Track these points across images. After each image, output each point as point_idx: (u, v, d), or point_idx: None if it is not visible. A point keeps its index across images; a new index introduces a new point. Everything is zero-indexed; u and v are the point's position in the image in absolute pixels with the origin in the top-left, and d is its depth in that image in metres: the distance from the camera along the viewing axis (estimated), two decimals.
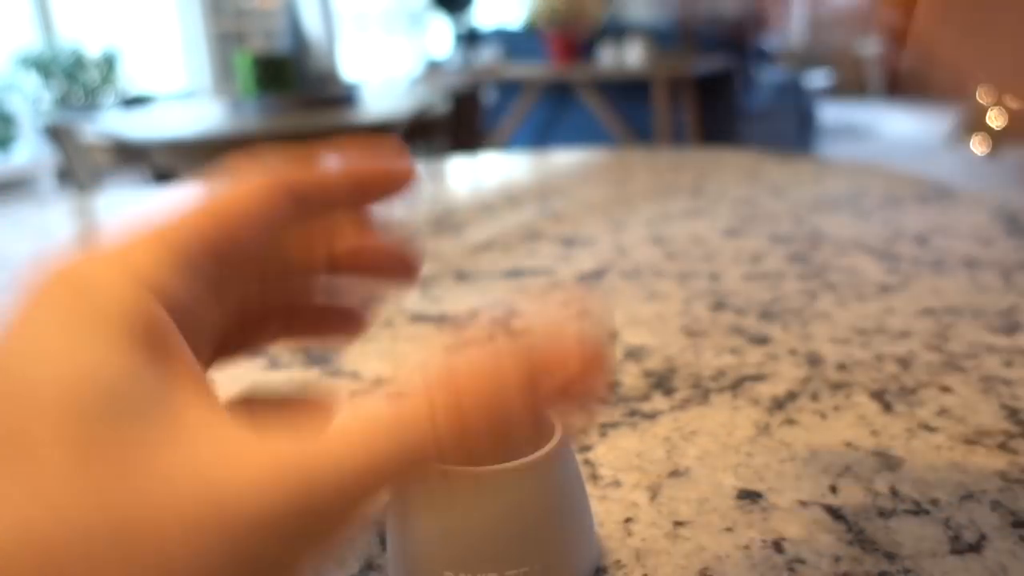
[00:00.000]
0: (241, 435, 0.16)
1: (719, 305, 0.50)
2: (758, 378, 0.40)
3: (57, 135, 2.20)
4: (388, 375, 0.42)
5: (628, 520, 0.29)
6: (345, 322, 0.28)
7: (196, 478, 0.15)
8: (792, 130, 4.29)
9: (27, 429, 0.15)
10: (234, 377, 0.25)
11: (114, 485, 0.15)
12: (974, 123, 3.98)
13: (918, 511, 0.28)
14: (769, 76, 4.08)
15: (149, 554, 0.14)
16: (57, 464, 0.14)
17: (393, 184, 0.25)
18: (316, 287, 0.27)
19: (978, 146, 4.00)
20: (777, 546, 0.27)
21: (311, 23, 2.37)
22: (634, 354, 0.43)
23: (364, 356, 0.45)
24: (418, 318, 0.51)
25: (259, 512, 0.15)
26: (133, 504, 0.15)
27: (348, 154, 0.24)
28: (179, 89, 5.09)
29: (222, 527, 0.15)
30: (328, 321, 0.28)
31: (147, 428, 0.15)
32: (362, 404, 0.18)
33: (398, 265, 0.27)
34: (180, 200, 0.20)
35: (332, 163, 0.23)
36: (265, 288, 0.25)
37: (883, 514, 0.28)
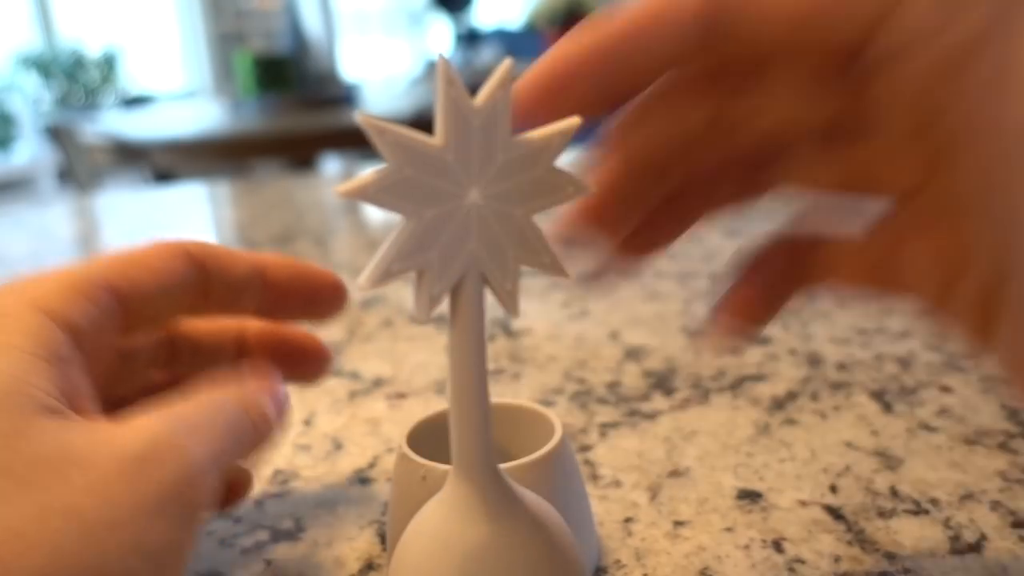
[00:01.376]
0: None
1: None
2: (758, 378, 0.40)
3: (57, 135, 2.20)
4: (388, 375, 0.42)
5: (628, 520, 0.29)
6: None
7: (63, 442, 0.18)
8: None
9: None
10: None
11: None
12: None
13: (918, 511, 0.28)
14: None
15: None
16: None
17: (313, 297, 0.27)
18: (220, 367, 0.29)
19: None
20: (777, 546, 0.27)
21: (311, 23, 2.37)
22: (634, 354, 0.43)
23: (364, 356, 0.45)
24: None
25: (118, 456, 0.18)
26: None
27: (271, 257, 0.27)
28: (179, 89, 5.09)
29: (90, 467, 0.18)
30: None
31: (40, 412, 0.18)
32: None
33: (306, 357, 0.29)
34: (103, 257, 0.24)
35: (245, 254, 0.26)
36: (173, 361, 0.28)
37: (883, 514, 0.28)
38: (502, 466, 0.23)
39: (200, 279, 0.25)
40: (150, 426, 0.19)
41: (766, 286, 0.23)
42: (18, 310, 0.21)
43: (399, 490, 0.25)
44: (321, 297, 0.27)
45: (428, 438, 0.26)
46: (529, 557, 0.19)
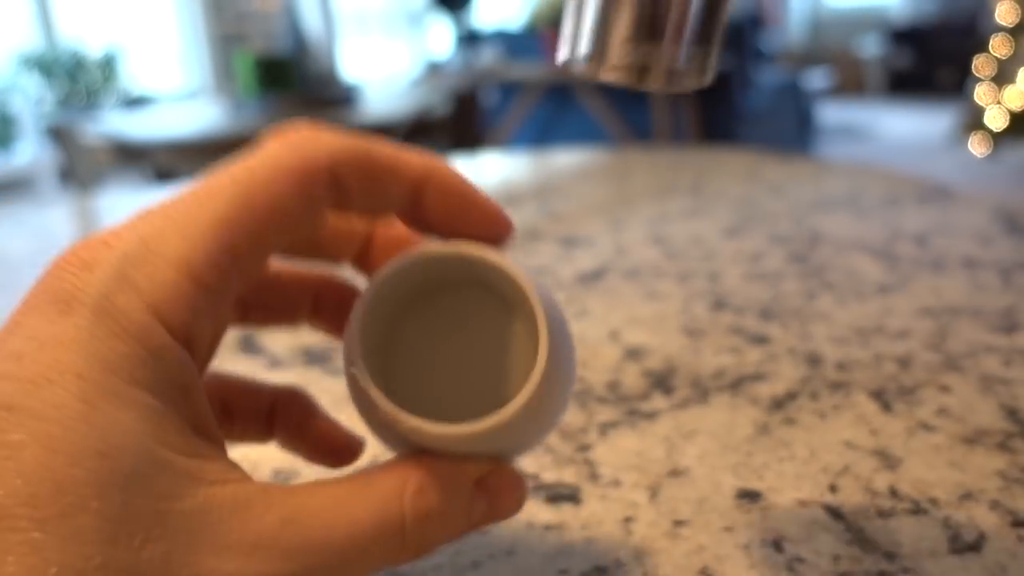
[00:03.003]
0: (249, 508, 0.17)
1: (719, 305, 0.50)
2: (757, 378, 0.40)
3: (58, 135, 2.20)
4: None
5: (628, 520, 0.29)
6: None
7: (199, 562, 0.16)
8: (791, 130, 4.29)
9: (73, 479, 0.15)
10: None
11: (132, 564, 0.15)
12: (974, 123, 3.98)
13: (917, 510, 0.28)
14: (768, 76, 4.08)
15: None
16: (96, 523, 0.15)
17: (483, 222, 0.22)
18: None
19: (977, 146, 4.00)
20: (777, 545, 0.27)
21: (311, 24, 2.37)
22: (634, 354, 0.43)
23: None
24: None
25: None
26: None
27: (436, 169, 0.21)
28: (180, 89, 5.09)
29: None
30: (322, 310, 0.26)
31: (176, 491, 0.16)
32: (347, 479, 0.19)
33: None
34: (219, 193, 0.18)
35: (404, 164, 0.20)
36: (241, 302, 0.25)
37: (882, 513, 0.28)
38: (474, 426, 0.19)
39: (336, 205, 0.20)
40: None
41: None
42: (140, 324, 0.17)
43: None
44: (481, 234, 0.22)
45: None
46: None
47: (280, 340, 0.48)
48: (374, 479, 0.19)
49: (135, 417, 0.16)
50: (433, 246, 0.21)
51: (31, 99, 4.55)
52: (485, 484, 0.21)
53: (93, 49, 4.71)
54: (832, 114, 5.51)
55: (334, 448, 0.27)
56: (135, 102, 4.21)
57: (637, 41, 0.19)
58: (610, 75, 0.19)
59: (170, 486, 0.16)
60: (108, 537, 0.15)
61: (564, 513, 0.29)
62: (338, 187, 0.19)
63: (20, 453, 0.15)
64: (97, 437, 0.15)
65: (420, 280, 0.22)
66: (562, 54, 0.20)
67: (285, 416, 0.26)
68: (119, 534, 0.15)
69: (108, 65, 4.74)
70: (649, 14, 0.19)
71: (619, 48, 0.19)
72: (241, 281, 0.19)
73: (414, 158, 0.21)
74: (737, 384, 0.39)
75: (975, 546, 0.26)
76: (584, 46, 0.20)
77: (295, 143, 0.19)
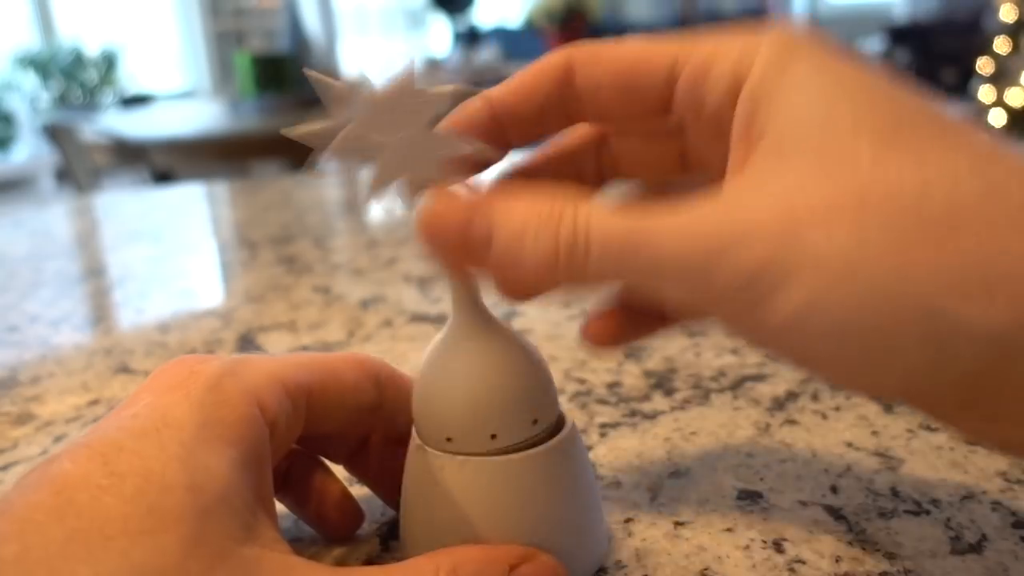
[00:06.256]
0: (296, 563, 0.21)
1: None
2: (759, 378, 0.40)
3: (56, 134, 2.20)
4: None
5: (628, 520, 0.29)
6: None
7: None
8: None
9: (163, 506, 0.18)
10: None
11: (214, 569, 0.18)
12: (976, 122, 3.98)
13: (919, 511, 0.28)
14: None
15: None
16: (175, 543, 0.18)
17: None
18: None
19: None
20: (777, 546, 0.27)
21: (311, 22, 2.37)
22: (634, 354, 0.43)
23: None
24: (418, 318, 0.51)
25: None
26: None
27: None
28: (178, 88, 5.09)
29: None
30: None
31: (240, 537, 0.19)
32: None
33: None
34: (306, 358, 0.26)
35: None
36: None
37: (884, 514, 0.28)
38: (516, 456, 0.24)
39: (375, 405, 0.26)
40: None
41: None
42: (238, 399, 0.22)
43: (415, 480, 0.25)
44: None
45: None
46: (508, 355, 0.25)
47: (279, 340, 0.48)
48: (410, 563, 0.22)
49: (223, 466, 0.20)
50: None
51: (28, 98, 4.54)
52: (520, 571, 0.23)
53: (91, 48, 4.70)
54: None
55: (341, 514, 0.28)
56: (133, 101, 4.21)
57: None
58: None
59: (236, 530, 0.19)
60: (183, 554, 0.18)
61: None
62: (379, 390, 0.26)
63: (122, 482, 0.18)
64: (188, 475, 0.19)
65: None
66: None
67: (299, 477, 0.28)
68: (192, 555, 0.18)
69: (106, 64, 4.74)
70: None
71: None
72: (306, 416, 0.25)
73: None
74: (738, 385, 0.39)
75: (976, 547, 0.26)
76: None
77: (359, 354, 0.27)
